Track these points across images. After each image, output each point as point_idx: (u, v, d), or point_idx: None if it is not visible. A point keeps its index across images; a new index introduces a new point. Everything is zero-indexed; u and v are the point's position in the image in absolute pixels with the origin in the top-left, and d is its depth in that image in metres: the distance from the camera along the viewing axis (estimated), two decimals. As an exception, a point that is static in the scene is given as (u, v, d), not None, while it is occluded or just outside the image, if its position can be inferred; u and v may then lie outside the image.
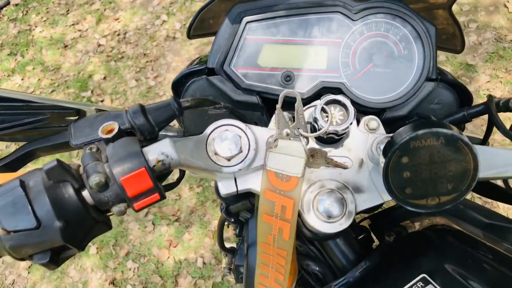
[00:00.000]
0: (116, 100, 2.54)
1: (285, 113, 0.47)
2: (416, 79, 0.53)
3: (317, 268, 0.58)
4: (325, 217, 0.47)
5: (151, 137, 0.42)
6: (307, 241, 0.60)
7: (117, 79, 2.66)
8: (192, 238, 1.91)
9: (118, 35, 2.93)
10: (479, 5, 2.47)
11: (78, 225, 0.37)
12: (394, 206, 0.72)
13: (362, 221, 0.71)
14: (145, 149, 0.39)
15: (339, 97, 0.46)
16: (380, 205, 0.50)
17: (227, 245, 0.99)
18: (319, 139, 0.50)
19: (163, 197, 0.39)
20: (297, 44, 0.54)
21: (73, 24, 3.13)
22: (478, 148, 0.44)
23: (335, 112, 0.47)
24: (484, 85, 2.07)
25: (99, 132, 0.39)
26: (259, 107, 0.55)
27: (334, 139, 0.49)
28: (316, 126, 0.47)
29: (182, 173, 0.53)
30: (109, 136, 0.39)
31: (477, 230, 0.60)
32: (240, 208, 0.69)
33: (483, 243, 0.53)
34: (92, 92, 2.64)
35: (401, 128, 0.42)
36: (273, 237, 0.49)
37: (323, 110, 0.46)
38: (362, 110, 0.54)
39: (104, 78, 2.70)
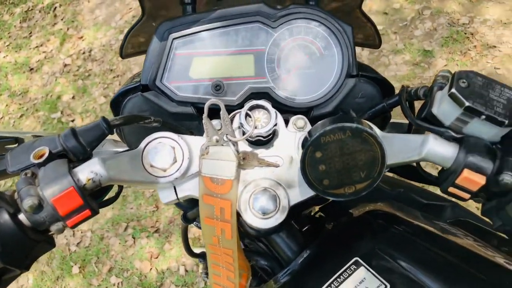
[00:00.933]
0: (86, 118, 2.54)
1: (216, 121, 0.50)
2: (338, 77, 0.56)
3: (266, 263, 0.62)
4: (261, 214, 0.50)
5: (84, 157, 0.45)
6: (255, 238, 0.63)
7: (86, 97, 2.66)
8: (173, 247, 1.94)
9: (84, 53, 2.93)
10: (431, -8, 2.56)
11: (16, 247, 0.39)
12: None
13: (317, 213, 0.75)
14: (76, 170, 0.42)
15: (261, 102, 0.49)
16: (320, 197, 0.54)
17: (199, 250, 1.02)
18: (250, 142, 0.53)
19: (95, 212, 0.42)
20: (224, 55, 0.57)
21: (37, 47, 3.12)
22: (385, 137, 0.49)
23: (260, 115, 0.50)
24: (442, 68, 2.14)
25: (31, 157, 0.42)
26: (195, 117, 0.58)
27: (263, 141, 0.52)
28: (243, 131, 0.50)
29: (120, 188, 0.56)
30: (41, 160, 0.42)
31: (415, 211, 0.64)
32: (196, 214, 0.72)
33: (416, 224, 0.57)
34: (62, 113, 2.64)
35: (313, 127, 0.45)
36: (217, 238, 0.53)
37: (247, 115, 0.49)
38: (290, 110, 0.57)
39: (73, 97, 2.70)
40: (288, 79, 0.57)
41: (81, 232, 2.15)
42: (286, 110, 0.57)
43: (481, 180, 0.41)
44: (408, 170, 0.57)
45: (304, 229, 0.62)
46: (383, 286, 0.47)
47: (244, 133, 0.51)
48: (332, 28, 0.56)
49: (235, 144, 0.50)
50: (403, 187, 0.72)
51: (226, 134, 0.49)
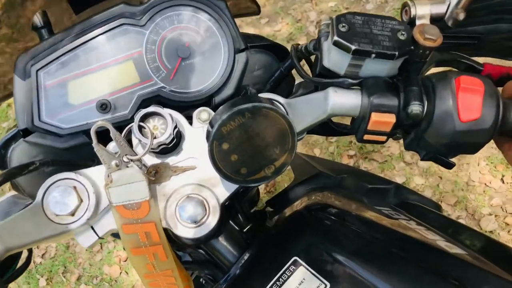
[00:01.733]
0: None
1: (114, 143, 0.45)
2: (227, 56, 0.53)
3: (206, 271, 0.59)
4: (193, 224, 0.47)
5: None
6: (194, 248, 0.59)
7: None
8: None
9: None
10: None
11: None
12: (286, 188, 0.73)
13: (265, 208, 0.73)
14: None
15: (151, 109, 0.45)
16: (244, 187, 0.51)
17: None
18: (158, 153, 0.48)
19: None
20: (101, 70, 0.52)
21: None
22: (288, 103, 0.46)
23: (156, 123, 0.46)
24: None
25: None
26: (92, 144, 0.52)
27: (171, 148, 0.48)
28: (143, 145, 0.46)
29: (29, 252, 0.50)
30: None
31: (360, 197, 0.63)
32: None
33: (356, 214, 0.56)
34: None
35: (211, 118, 0.42)
36: (151, 264, 0.48)
37: (141, 127, 0.45)
38: (190, 105, 0.53)
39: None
40: (177, 74, 0.53)
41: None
42: (186, 106, 0.53)
43: (391, 119, 0.40)
44: (325, 127, 0.56)
45: (247, 227, 0.59)
46: (323, 285, 0.46)
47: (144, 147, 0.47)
48: (204, 8, 0.52)
49: (139, 162, 0.45)
50: (347, 172, 0.71)
51: (125, 155, 0.44)
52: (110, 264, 1.94)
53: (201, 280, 0.62)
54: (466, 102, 0.39)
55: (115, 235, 0.70)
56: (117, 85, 0.52)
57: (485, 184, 1.77)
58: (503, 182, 1.76)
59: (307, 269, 0.47)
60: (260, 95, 0.48)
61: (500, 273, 0.45)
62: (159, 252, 0.48)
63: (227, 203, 0.58)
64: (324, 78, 0.43)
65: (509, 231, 1.64)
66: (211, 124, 0.40)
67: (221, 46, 0.53)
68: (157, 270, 0.49)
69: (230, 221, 0.57)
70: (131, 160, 0.44)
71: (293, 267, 0.47)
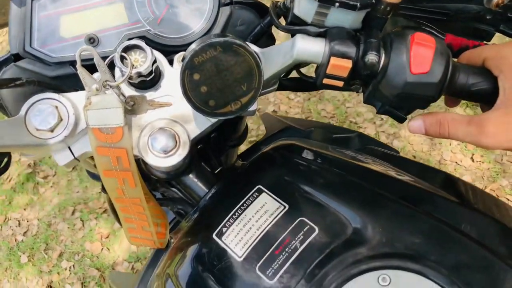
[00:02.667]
0: None
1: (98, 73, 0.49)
2: (211, 7, 0.56)
3: (179, 206, 0.62)
4: (163, 153, 0.50)
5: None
6: (167, 184, 0.63)
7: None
8: None
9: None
10: None
11: None
12: (257, 142, 0.77)
13: (237, 160, 0.76)
14: None
15: (133, 42, 0.48)
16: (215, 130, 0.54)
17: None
18: (137, 87, 0.52)
19: None
20: (93, 8, 0.55)
21: None
22: (262, 52, 0.50)
23: (137, 56, 0.49)
24: None
25: None
26: (78, 76, 0.56)
27: (150, 83, 0.51)
28: (123, 74, 0.49)
29: (8, 157, 0.53)
30: None
31: (325, 145, 0.67)
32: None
33: (319, 151, 0.59)
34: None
35: (186, 51, 0.45)
36: (121, 189, 0.52)
37: (123, 58, 0.48)
38: (173, 50, 0.56)
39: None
40: (164, 20, 0.56)
41: (27, 221, 2.12)
42: (169, 51, 0.56)
43: (347, 64, 0.43)
44: (294, 81, 0.59)
45: (217, 170, 0.63)
46: (282, 207, 0.49)
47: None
48: (194, -38, 0.55)
49: (117, 89, 0.49)
50: (315, 126, 0.74)
51: (105, 80, 0.48)
52: (92, 241, 1.98)
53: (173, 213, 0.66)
54: (418, 55, 0.43)
55: (93, 176, 0.74)
56: (106, 23, 0.55)
57: (456, 162, 1.85)
58: (472, 160, 1.84)
59: (269, 195, 0.51)
60: None
61: (445, 195, 0.50)
62: (128, 178, 0.51)
63: (199, 146, 0.62)
64: (293, 26, 0.47)
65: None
66: (185, 55, 0.44)
67: (207, -1, 0.56)
68: (126, 196, 0.53)
69: (202, 163, 0.60)
70: (110, 86, 0.48)
71: (256, 193, 0.51)
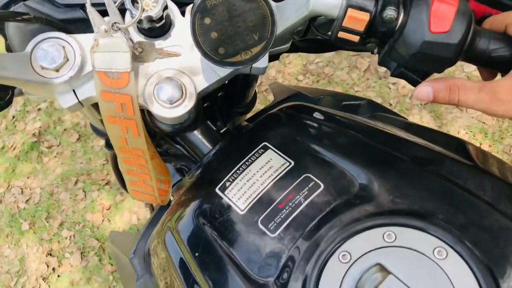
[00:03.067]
0: None
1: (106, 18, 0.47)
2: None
3: (182, 163, 0.61)
4: (168, 103, 0.49)
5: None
6: (171, 141, 0.62)
7: None
8: (124, 198, 1.97)
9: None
10: None
11: None
12: (265, 107, 0.76)
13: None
14: None
15: (145, -16, 0.47)
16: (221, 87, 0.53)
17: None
18: (146, 35, 0.51)
19: None
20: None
21: None
22: (277, 6, 0.48)
23: (148, 0, 0.48)
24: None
25: None
26: (87, 22, 0.54)
27: (160, 32, 0.50)
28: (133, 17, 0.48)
29: (12, 92, 0.52)
30: None
31: (334, 111, 0.66)
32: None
33: (328, 112, 0.58)
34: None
35: None
36: (124, 138, 0.51)
37: (133, 1, 0.47)
38: (187, 2, 0.54)
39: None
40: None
41: (30, 190, 2.13)
42: (183, 2, 0.55)
43: (365, 16, 0.42)
44: (311, 44, 0.57)
45: (223, 130, 0.62)
46: (288, 163, 0.49)
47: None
48: None
49: (126, 33, 0.47)
50: (324, 93, 0.73)
51: (114, 22, 0.46)
52: (93, 212, 1.99)
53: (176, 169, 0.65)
54: (438, 13, 0.41)
55: (97, 131, 0.73)
56: (121, -31, 0.54)
57: None
58: (475, 139, 1.82)
59: (274, 151, 0.50)
60: None
61: (456, 157, 0.50)
62: (132, 127, 0.50)
63: (206, 104, 0.61)
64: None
65: None
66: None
67: None
68: (129, 146, 0.52)
69: (208, 122, 0.59)
70: (119, 29, 0.46)
71: (261, 150, 0.51)
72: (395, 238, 0.42)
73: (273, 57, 0.63)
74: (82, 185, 2.07)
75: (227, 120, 0.74)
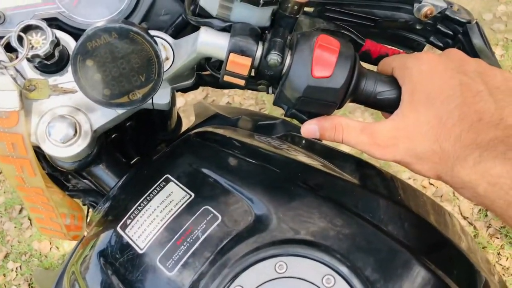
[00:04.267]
0: None
1: None
2: (130, -7, 0.54)
3: (90, 198, 0.60)
4: (61, 143, 0.48)
5: None
6: (77, 176, 0.61)
7: None
8: None
9: None
10: None
11: None
12: (184, 130, 0.76)
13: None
14: None
15: (32, 21, 0.46)
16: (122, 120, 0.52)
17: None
18: (42, 70, 0.50)
19: None
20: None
21: None
22: (175, 43, 0.49)
23: (38, 37, 0.47)
24: None
25: None
26: None
27: (54, 67, 0.49)
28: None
29: None
30: None
31: (248, 132, 0.66)
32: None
33: (234, 138, 0.59)
34: None
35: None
36: (20, 177, 0.50)
37: (20, 38, 0.46)
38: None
39: None
40: (80, 3, 0.54)
41: None
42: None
43: (246, 62, 0.42)
44: (213, 78, 0.58)
45: (134, 160, 0.61)
46: (188, 196, 0.49)
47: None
48: None
49: (15, 71, 0.46)
50: (243, 114, 0.74)
51: (0, 61, 0.45)
52: (40, 240, 1.92)
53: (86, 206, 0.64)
54: (320, 59, 0.42)
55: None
56: (17, 1, 0.53)
57: None
58: None
59: (176, 184, 0.50)
60: (150, 31, 0.50)
61: (344, 177, 0.52)
62: (26, 167, 0.49)
63: (114, 135, 0.60)
64: (199, 18, 0.45)
65: (425, 193, 1.75)
66: (79, 39, 0.42)
67: (128, -17, 0.54)
68: (27, 185, 0.51)
69: (117, 154, 0.58)
70: (5, 67, 0.45)
71: (163, 183, 0.50)
72: (286, 268, 0.43)
73: (187, 89, 0.63)
74: (27, 212, 1.98)
75: (152, 148, 0.73)
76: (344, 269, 0.42)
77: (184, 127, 0.79)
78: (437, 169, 0.41)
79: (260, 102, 2.13)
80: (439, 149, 0.40)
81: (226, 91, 2.19)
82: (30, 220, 1.96)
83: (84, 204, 0.63)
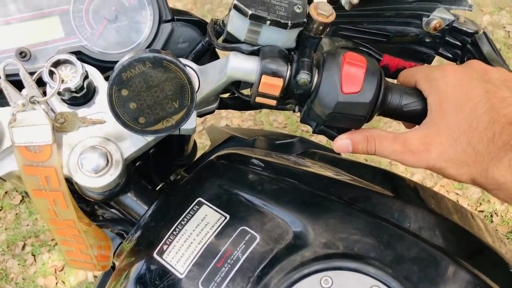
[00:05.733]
0: None
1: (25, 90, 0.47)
2: (151, 24, 0.56)
3: (119, 227, 0.60)
4: (93, 173, 0.48)
5: None
6: (105, 205, 0.61)
7: None
8: None
9: None
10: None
11: None
12: (201, 155, 0.76)
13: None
14: None
15: (63, 56, 0.47)
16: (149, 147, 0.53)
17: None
18: (70, 103, 0.50)
19: None
20: (27, 20, 0.53)
21: None
22: (200, 70, 0.50)
23: (68, 72, 0.48)
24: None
25: None
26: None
27: (83, 100, 0.50)
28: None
29: None
30: None
31: (267, 151, 0.67)
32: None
33: (259, 158, 0.59)
34: None
35: (115, 66, 0.44)
36: (53, 210, 0.49)
37: (51, 72, 0.46)
38: (112, 66, 0.54)
39: None
40: (102, 35, 0.55)
41: None
42: (108, 67, 0.55)
43: (278, 82, 0.43)
44: (240, 102, 0.59)
45: (159, 187, 0.62)
46: (223, 218, 0.49)
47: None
48: (136, -24, 0.55)
49: (46, 106, 0.47)
50: (257, 134, 0.75)
51: (32, 96, 0.46)
52: (45, 276, 1.88)
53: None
54: (349, 75, 0.43)
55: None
56: (40, 37, 0.54)
57: None
58: None
59: (209, 206, 0.50)
60: None
61: (377, 189, 0.53)
62: (59, 199, 0.49)
63: (138, 163, 0.61)
64: (228, 44, 0.47)
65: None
66: (113, 69, 0.43)
67: (148, 14, 0.56)
68: (59, 218, 0.50)
69: (143, 181, 0.59)
70: (38, 102, 0.46)
71: (196, 206, 0.51)
72: (332, 283, 0.44)
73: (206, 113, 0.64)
74: (31, 248, 1.95)
75: (168, 174, 0.73)
76: (389, 279, 0.43)
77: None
78: (471, 172, 0.42)
79: (258, 123, 2.15)
80: (472, 151, 0.41)
81: (224, 114, 2.20)
82: (34, 255, 1.92)
83: (116, 234, 0.62)
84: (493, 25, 2.28)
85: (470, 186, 1.76)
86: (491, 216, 1.69)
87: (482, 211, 1.72)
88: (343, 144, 0.47)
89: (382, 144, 0.45)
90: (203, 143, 1.98)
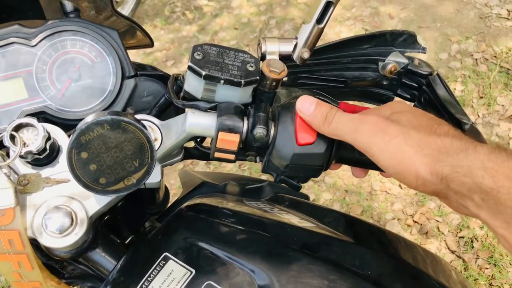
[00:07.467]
0: None
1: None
2: (115, 81, 0.57)
3: (89, 284, 0.60)
4: (58, 233, 0.48)
5: None
6: (73, 262, 0.60)
7: None
8: None
9: None
10: (273, 2, 2.80)
11: None
12: (173, 202, 0.77)
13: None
14: None
15: (24, 120, 0.48)
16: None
17: None
18: (34, 164, 0.51)
19: None
20: (-9, 83, 0.54)
21: None
22: (162, 125, 0.51)
23: (30, 134, 0.48)
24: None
25: None
26: None
27: (45, 160, 0.50)
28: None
29: None
30: None
31: (237, 198, 0.68)
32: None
33: (226, 208, 0.60)
34: None
35: (74, 129, 0.45)
36: (18, 273, 0.49)
37: (12, 136, 0.47)
38: (75, 124, 0.56)
39: None
40: (65, 94, 0.56)
41: None
42: (73, 125, 0.56)
43: (235, 138, 0.45)
44: (204, 153, 0.60)
45: (129, 239, 0.62)
46: (189, 273, 0.49)
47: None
48: (97, 37, 0.57)
49: (9, 169, 0.47)
50: (230, 179, 0.76)
51: (-8, 161, 0.46)
52: None
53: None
54: (303, 127, 0.45)
55: None
56: (3, 99, 0.55)
57: (386, 191, 1.92)
58: (401, 187, 1.92)
59: (175, 261, 0.50)
60: (137, 116, 0.53)
61: (339, 236, 0.54)
62: (24, 262, 0.48)
63: (106, 217, 0.61)
64: (186, 101, 0.48)
65: (411, 232, 1.79)
66: (72, 133, 0.44)
67: (111, 72, 0.57)
68: (25, 280, 0.50)
69: (111, 235, 0.59)
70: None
71: (163, 262, 0.51)
72: None
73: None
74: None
75: (141, 224, 0.73)
76: None
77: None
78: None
79: (238, 161, 2.15)
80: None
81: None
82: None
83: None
84: (461, 54, 2.36)
85: (450, 212, 1.79)
86: (472, 242, 1.71)
87: (462, 237, 1.73)
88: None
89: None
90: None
